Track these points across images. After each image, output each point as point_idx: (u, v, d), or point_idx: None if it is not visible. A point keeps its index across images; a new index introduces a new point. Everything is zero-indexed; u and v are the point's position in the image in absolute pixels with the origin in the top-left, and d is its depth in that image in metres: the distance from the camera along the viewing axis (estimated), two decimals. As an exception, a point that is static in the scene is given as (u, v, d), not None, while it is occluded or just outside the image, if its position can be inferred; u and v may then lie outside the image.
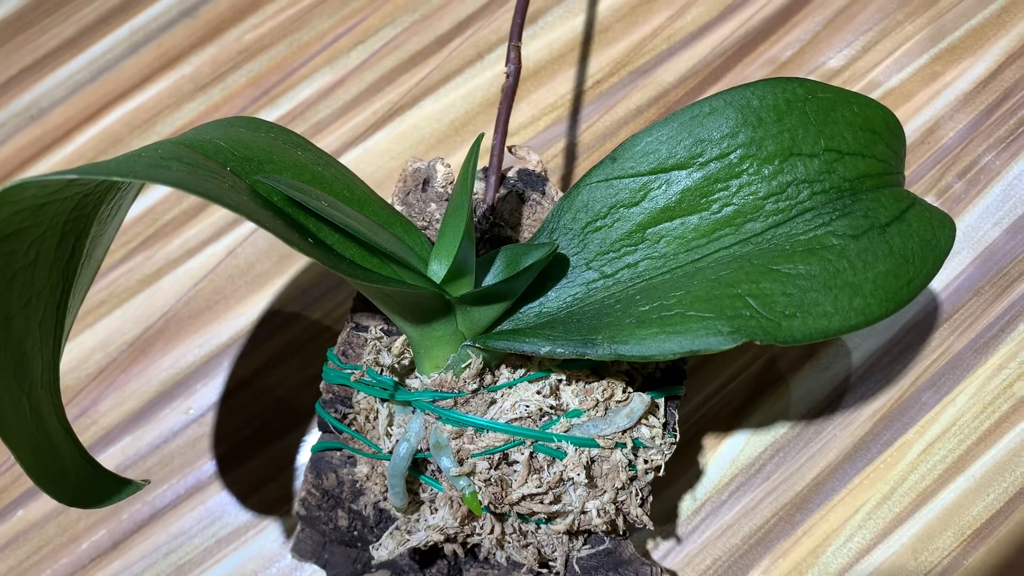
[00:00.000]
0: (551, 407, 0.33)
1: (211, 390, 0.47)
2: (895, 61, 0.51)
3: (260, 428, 0.46)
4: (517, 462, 0.33)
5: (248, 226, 0.50)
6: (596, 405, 0.34)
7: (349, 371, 0.36)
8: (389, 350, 0.34)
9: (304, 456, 0.45)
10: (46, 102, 0.54)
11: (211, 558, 0.44)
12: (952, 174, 0.48)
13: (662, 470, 0.35)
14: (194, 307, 0.49)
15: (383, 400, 0.35)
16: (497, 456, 0.33)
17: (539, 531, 0.35)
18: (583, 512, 0.34)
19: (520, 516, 0.34)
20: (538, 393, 0.34)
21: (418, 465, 0.35)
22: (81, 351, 0.48)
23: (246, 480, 0.45)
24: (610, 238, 0.34)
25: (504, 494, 0.33)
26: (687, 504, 0.43)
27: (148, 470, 0.45)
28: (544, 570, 0.35)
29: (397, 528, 0.35)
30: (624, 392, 0.34)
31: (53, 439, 0.29)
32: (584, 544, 0.35)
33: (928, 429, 0.44)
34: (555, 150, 0.51)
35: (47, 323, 0.28)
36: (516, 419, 0.33)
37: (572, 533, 0.35)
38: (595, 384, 0.34)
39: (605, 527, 0.34)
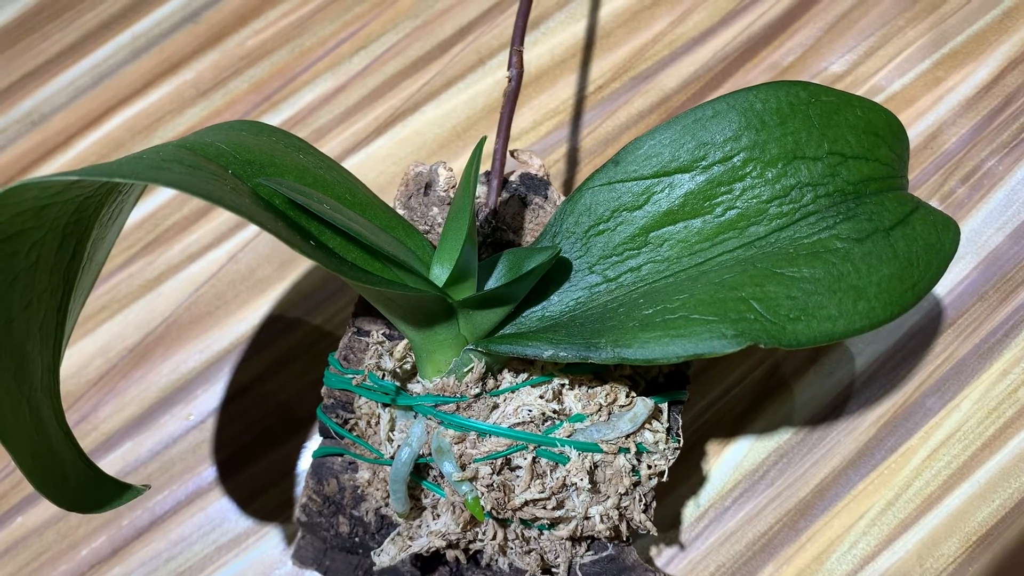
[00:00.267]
0: (554, 412, 0.33)
1: (212, 396, 0.47)
2: (897, 66, 0.51)
3: (261, 434, 0.46)
4: (520, 467, 0.33)
5: (249, 231, 0.50)
6: (599, 410, 0.34)
7: (351, 376, 0.36)
8: (391, 354, 0.34)
9: (305, 462, 0.45)
10: (47, 108, 0.54)
11: (211, 565, 0.44)
12: (955, 179, 0.48)
13: (666, 475, 0.34)
14: (195, 312, 0.49)
15: (385, 405, 0.35)
16: (500, 461, 0.33)
17: (542, 537, 0.34)
18: (586, 518, 0.34)
19: (523, 522, 0.34)
20: (541, 397, 0.33)
21: (420, 470, 0.34)
22: (81, 357, 0.48)
23: (247, 486, 0.45)
24: (613, 242, 0.34)
25: (507, 499, 0.33)
26: (690, 510, 0.43)
27: (148, 476, 0.45)
28: (547, 576, 0.35)
29: (399, 534, 0.35)
30: (627, 396, 0.34)
31: (53, 443, 0.28)
32: (587, 550, 0.35)
33: (932, 435, 0.43)
34: (557, 155, 0.51)
35: (48, 326, 0.28)
36: (519, 424, 0.33)
37: (575, 539, 0.35)
38: (598, 388, 0.34)
39: (608, 533, 0.34)
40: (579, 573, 0.35)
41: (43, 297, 0.28)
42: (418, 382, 0.34)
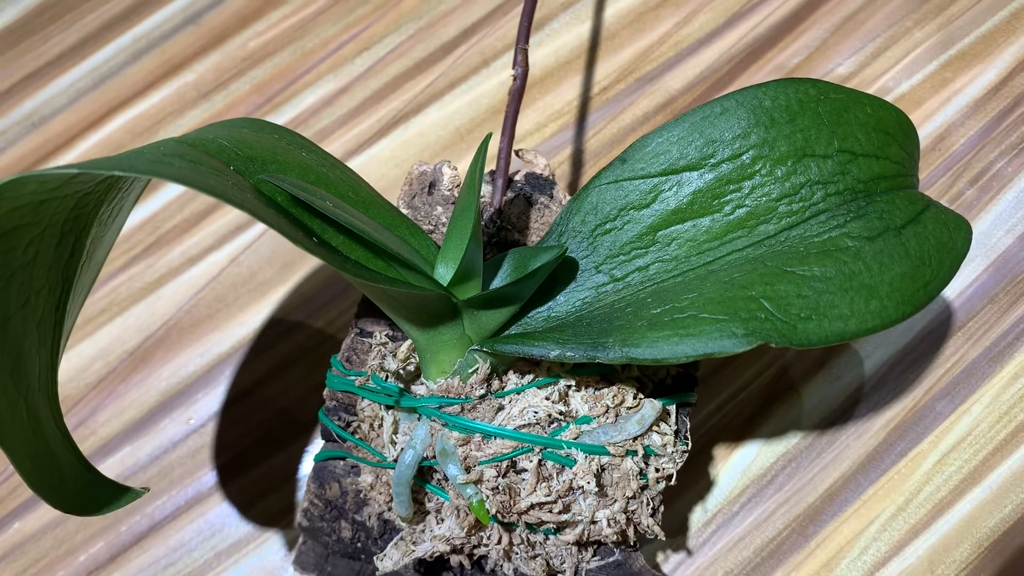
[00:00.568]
0: (560, 413, 0.33)
1: (212, 400, 0.46)
2: (904, 67, 0.51)
3: (262, 438, 0.45)
4: (526, 470, 0.32)
5: (251, 234, 0.50)
6: (606, 411, 0.33)
7: (353, 377, 0.35)
8: (394, 355, 0.34)
9: (307, 466, 0.44)
10: (48, 109, 0.54)
11: (211, 571, 0.43)
12: (964, 181, 0.48)
13: (674, 479, 0.34)
14: (195, 315, 0.48)
15: (388, 407, 0.34)
16: (505, 464, 0.32)
17: (547, 542, 0.34)
18: (593, 522, 0.33)
19: (528, 526, 0.33)
20: (547, 399, 0.33)
21: (424, 474, 0.34)
22: (80, 360, 0.47)
23: (247, 491, 0.44)
24: (620, 241, 0.33)
25: (512, 503, 0.32)
26: (698, 516, 0.42)
27: (148, 481, 0.45)
28: (553, 582, 0.34)
29: (402, 539, 0.35)
30: (635, 398, 0.34)
31: (51, 444, 0.28)
32: (593, 555, 0.34)
33: (943, 439, 0.43)
34: (562, 157, 0.50)
35: (45, 324, 0.28)
36: (524, 425, 0.33)
37: (581, 544, 0.34)
38: (605, 390, 0.34)
39: (615, 538, 0.33)
40: (586, 578, 0.34)
41: (41, 295, 0.27)
42: (422, 383, 0.34)
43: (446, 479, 0.33)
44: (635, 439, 0.33)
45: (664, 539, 0.36)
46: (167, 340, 0.48)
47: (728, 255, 0.32)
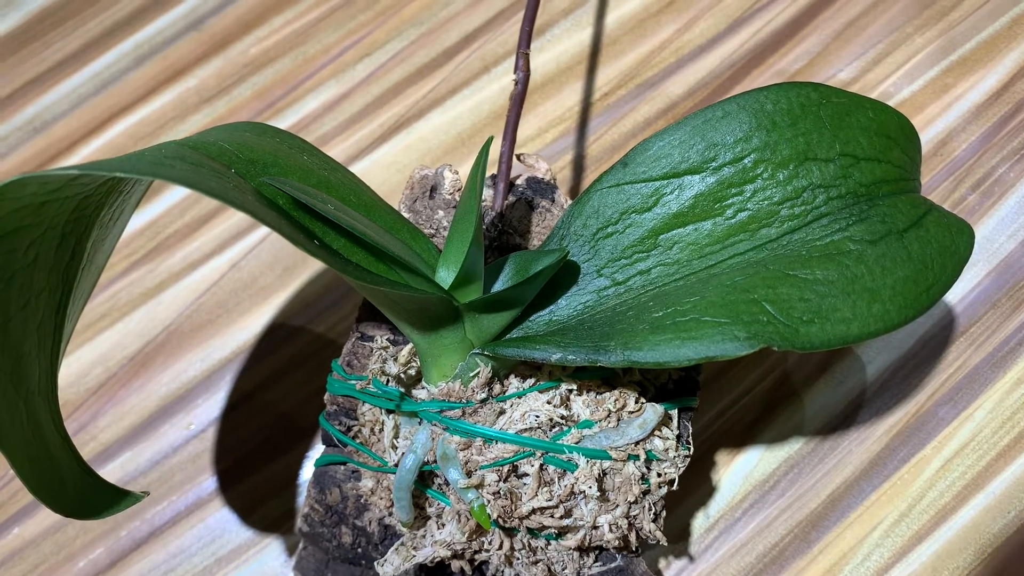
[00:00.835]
0: (562, 417, 0.33)
1: (213, 405, 0.46)
2: (906, 73, 0.51)
3: (262, 443, 0.45)
4: (527, 474, 0.32)
5: (252, 239, 0.50)
6: (608, 416, 0.33)
7: (354, 381, 0.35)
8: (395, 359, 0.33)
9: (307, 472, 0.44)
10: (50, 115, 0.54)
11: (211, 577, 0.43)
12: (966, 186, 0.48)
13: (676, 483, 0.34)
14: (196, 320, 0.48)
15: (389, 411, 0.34)
16: (506, 468, 0.32)
17: (549, 547, 0.34)
18: (595, 527, 0.33)
19: (530, 531, 0.33)
20: (548, 403, 0.33)
21: (424, 479, 0.34)
22: (80, 365, 0.47)
23: (248, 497, 0.44)
24: (622, 244, 0.33)
25: (514, 507, 0.32)
26: (700, 521, 0.42)
27: (148, 486, 0.45)
28: (554, 587, 0.34)
29: (403, 544, 0.34)
30: (637, 403, 0.33)
31: (50, 447, 0.28)
32: (595, 561, 0.34)
33: (946, 445, 0.43)
34: (563, 162, 0.50)
35: (46, 327, 0.28)
36: (526, 430, 0.32)
37: (583, 549, 0.34)
38: (607, 394, 0.33)
39: (617, 543, 0.33)
40: (587, 584, 0.34)
41: (41, 297, 0.27)
42: (423, 387, 0.34)
43: (447, 484, 0.33)
44: (637, 443, 0.33)
45: (666, 545, 0.35)
46: (168, 345, 0.48)
47: (730, 259, 0.32)
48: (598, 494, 0.32)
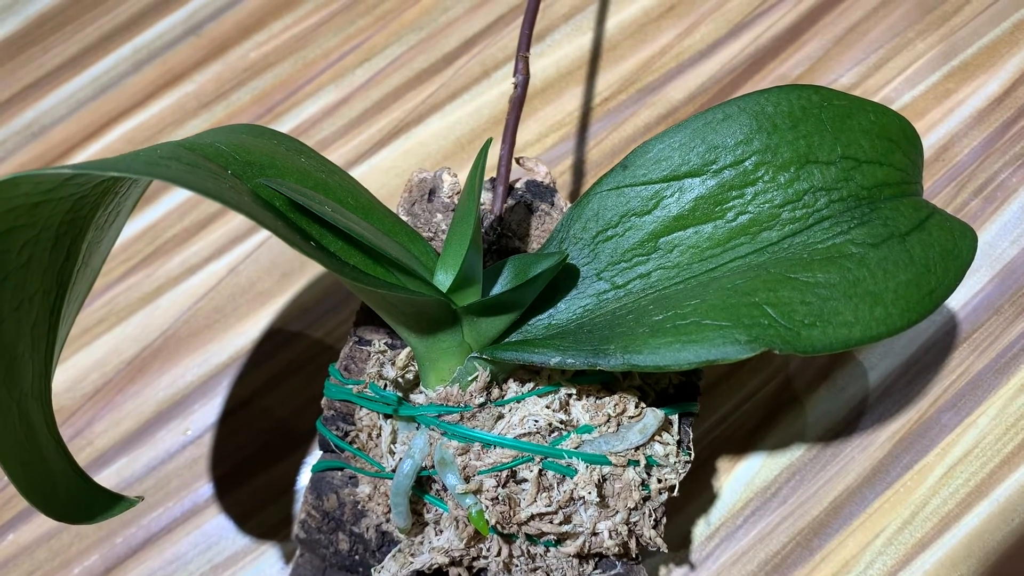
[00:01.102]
0: (561, 422, 0.32)
1: (210, 410, 0.46)
2: (907, 79, 0.51)
3: (259, 449, 0.45)
4: (526, 480, 0.32)
5: (249, 244, 0.50)
6: (608, 421, 0.33)
7: (351, 386, 0.35)
8: (393, 363, 0.33)
9: (305, 478, 0.44)
10: (48, 119, 0.54)
11: (207, 584, 0.42)
12: (968, 191, 0.47)
13: (676, 490, 0.33)
14: (194, 326, 0.48)
15: (386, 416, 0.34)
16: (505, 473, 0.32)
17: (548, 554, 0.33)
18: (594, 533, 0.32)
19: (528, 538, 0.33)
20: (547, 408, 0.32)
21: (422, 484, 0.33)
22: (77, 370, 0.47)
23: (245, 503, 0.44)
24: (621, 248, 0.33)
25: (512, 513, 0.32)
26: (701, 529, 0.42)
27: (144, 492, 0.44)
28: (553, 595, 0.34)
29: (400, 551, 0.34)
30: (637, 407, 0.33)
31: (43, 451, 0.27)
32: (595, 568, 0.34)
33: (949, 452, 0.42)
34: (563, 167, 0.50)
35: (39, 329, 0.27)
36: (525, 434, 0.32)
37: (582, 556, 0.33)
38: (606, 399, 0.33)
39: (617, 550, 0.33)
40: (587, 591, 0.33)
41: (35, 299, 0.27)
42: (421, 392, 0.34)
43: (445, 489, 0.33)
44: (637, 449, 0.32)
45: (667, 552, 0.35)
46: (165, 350, 0.47)
47: (731, 262, 0.32)
48: (598, 500, 0.32)
